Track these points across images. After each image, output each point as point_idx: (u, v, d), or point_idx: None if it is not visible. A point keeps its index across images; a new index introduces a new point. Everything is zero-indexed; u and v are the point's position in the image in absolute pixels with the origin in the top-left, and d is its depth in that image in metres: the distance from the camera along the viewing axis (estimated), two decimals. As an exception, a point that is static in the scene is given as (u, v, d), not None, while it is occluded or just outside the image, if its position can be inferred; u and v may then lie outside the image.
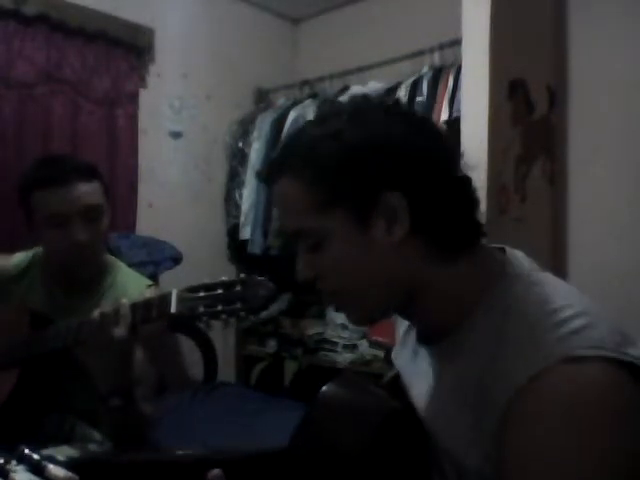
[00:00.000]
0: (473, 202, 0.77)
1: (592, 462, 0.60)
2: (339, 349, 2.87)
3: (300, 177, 0.74)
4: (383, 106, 0.79)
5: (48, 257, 1.41)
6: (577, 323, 0.65)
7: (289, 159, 0.77)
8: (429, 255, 0.74)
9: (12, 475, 0.65)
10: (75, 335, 1.13)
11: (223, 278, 1.02)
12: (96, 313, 1.10)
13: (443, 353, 0.77)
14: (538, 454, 0.61)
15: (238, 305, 0.99)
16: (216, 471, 0.71)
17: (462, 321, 0.74)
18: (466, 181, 0.77)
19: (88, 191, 1.30)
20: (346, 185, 0.72)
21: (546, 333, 0.66)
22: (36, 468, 0.66)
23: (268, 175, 0.81)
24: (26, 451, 0.67)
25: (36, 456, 0.67)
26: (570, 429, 0.61)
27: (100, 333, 1.07)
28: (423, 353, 0.83)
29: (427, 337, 0.81)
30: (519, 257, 0.78)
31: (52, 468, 0.66)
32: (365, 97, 0.84)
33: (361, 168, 0.72)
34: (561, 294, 0.71)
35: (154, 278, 2.24)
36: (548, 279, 0.75)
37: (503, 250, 0.79)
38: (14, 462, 0.66)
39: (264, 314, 3.12)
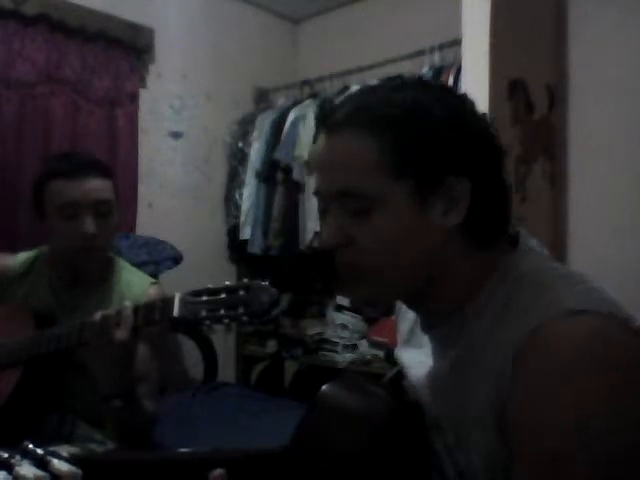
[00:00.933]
0: (510, 198, 0.78)
1: (602, 399, 0.59)
2: (339, 349, 2.87)
3: (378, 136, 0.70)
4: (442, 87, 0.80)
5: (55, 251, 1.42)
6: (580, 287, 0.67)
7: (366, 114, 0.72)
8: (465, 244, 0.74)
9: (17, 468, 0.65)
10: (77, 336, 1.14)
11: (227, 283, 1.02)
12: (98, 315, 1.10)
13: (447, 336, 0.77)
14: (548, 400, 0.61)
15: (241, 310, 0.98)
16: (219, 471, 0.71)
17: (469, 301, 0.74)
18: (506, 177, 0.78)
19: (101, 186, 1.33)
20: (422, 159, 0.70)
21: (552, 293, 0.66)
22: (40, 462, 0.66)
23: (332, 123, 0.75)
24: (30, 446, 0.67)
25: (40, 451, 0.67)
26: (575, 375, 0.60)
27: (102, 335, 1.08)
28: (428, 344, 0.82)
29: (431, 323, 0.80)
30: (533, 241, 0.79)
31: (56, 462, 0.66)
32: (420, 77, 0.84)
33: (441, 146, 0.70)
34: (573, 271, 0.73)
35: (154, 278, 2.24)
36: (554, 262, 0.77)
37: (517, 233, 0.80)
38: (18, 456, 0.67)
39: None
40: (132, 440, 1.21)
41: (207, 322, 1.00)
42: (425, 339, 0.83)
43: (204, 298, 1.00)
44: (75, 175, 1.30)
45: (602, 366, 0.60)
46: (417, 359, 0.85)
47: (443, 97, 0.73)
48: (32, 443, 0.68)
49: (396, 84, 0.75)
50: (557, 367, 0.61)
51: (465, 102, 0.77)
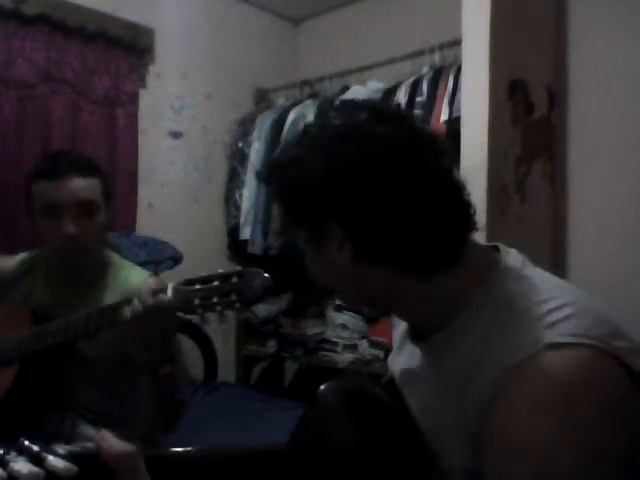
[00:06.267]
0: (454, 216, 0.74)
1: (576, 443, 0.61)
2: (339, 349, 2.87)
3: (279, 195, 0.82)
4: (345, 128, 0.76)
5: (49, 251, 1.42)
6: (563, 313, 0.67)
7: (273, 175, 0.83)
8: (397, 273, 0.74)
9: (12, 465, 0.65)
10: (113, 315, 1.12)
11: (220, 270, 1.02)
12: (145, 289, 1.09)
13: (432, 351, 0.79)
14: (521, 437, 0.62)
15: (233, 297, 0.99)
16: None
17: (450, 320, 0.75)
18: (454, 192, 0.74)
19: (83, 186, 1.32)
20: (301, 211, 0.78)
21: (531, 322, 0.68)
22: (35, 459, 0.66)
23: (263, 176, 0.87)
24: (26, 442, 0.67)
25: (36, 447, 0.67)
26: (552, 412, 0.62)
27: (150, 304, 1.05)
28: (416, 353, 0.83)
29: (418, 335, 0.82)
30: (512, 254, 0.78)
31: (51, 459, 0.66)
32: (324, 122, 0.81)
33: (309, 198, 0.76)
34: (549, 287, 0.73)
35: (154, 278, 2.24)
36: (538, 273, 0.76)
37: (496, 248, 0.79)
38: (14, 453, 0.67)
39: (263, 313, 3.12)
40: (167, 421, 1.26)
41: (200, 310, 1.00)
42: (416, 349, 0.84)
43: (197, 287, 1.01)
44: (56, 176, 1.30)
45: (576, 407, 0.62)
46: (406, 365, 0.86)
47: (316, 147, 0.76)
48: (28, 440, 0.68)
49: (296, 137, 0.83)
50: (529, 405, 0.63)
51: (346, 136, 0.75)
